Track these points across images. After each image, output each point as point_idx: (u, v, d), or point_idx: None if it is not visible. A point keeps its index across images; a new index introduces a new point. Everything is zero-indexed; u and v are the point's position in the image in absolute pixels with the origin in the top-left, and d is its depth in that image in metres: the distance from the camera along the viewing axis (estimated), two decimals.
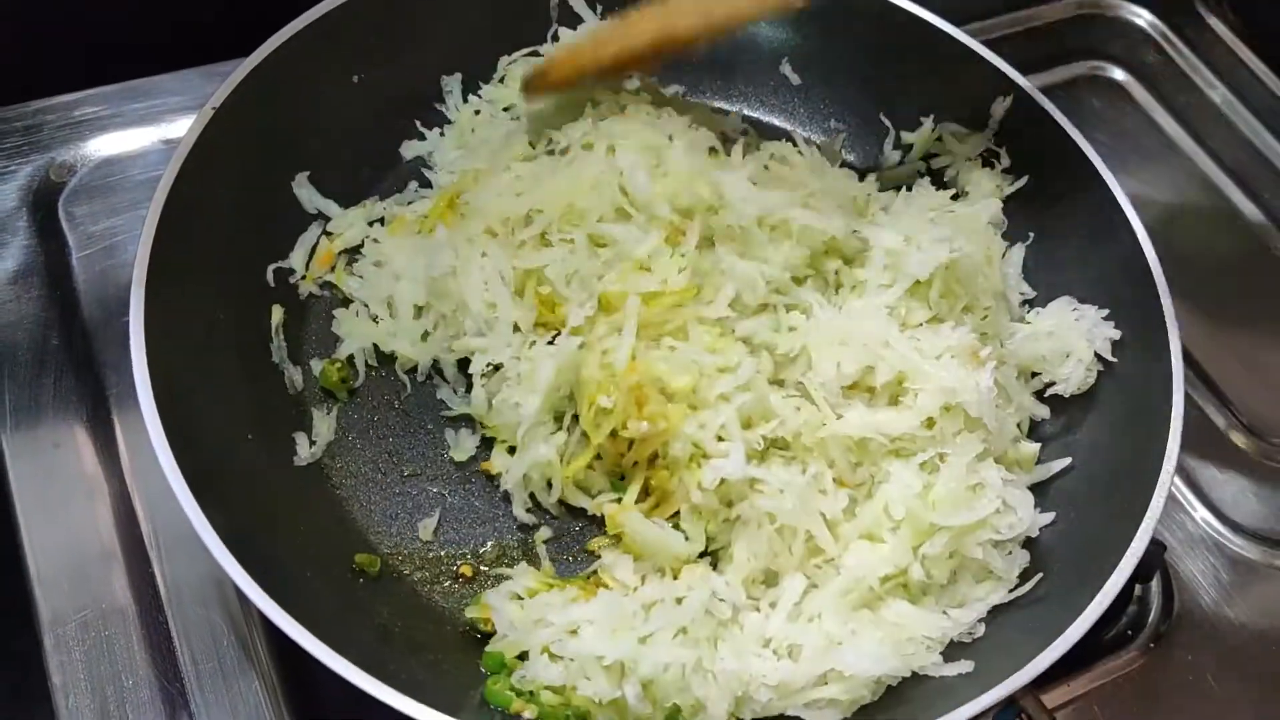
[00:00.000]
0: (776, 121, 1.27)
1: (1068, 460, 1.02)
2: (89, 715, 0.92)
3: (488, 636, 0.94)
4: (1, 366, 1.07)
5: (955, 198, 1.16)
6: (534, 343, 1.00)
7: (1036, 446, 1.04)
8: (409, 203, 1.15)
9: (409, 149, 1.19)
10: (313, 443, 1.01)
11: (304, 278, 1.09)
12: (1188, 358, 1.22)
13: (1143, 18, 1.57)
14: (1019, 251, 1.15)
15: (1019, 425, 1.05)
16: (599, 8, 1.23)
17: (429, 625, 0.95)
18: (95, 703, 0.92)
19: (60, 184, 1.19)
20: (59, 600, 0.96)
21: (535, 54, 1.22)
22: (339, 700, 0.93)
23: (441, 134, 1.19)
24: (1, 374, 1.07)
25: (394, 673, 0.81)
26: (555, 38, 1.22)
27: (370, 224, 1.13)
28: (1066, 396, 1.06)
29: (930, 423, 0.98)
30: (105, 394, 1.07)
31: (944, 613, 0.94)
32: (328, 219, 1.12)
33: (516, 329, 1.02)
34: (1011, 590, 0.95)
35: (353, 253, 1.12)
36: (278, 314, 1.06)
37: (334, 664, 0.79)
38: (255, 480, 0.94)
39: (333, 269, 1.11)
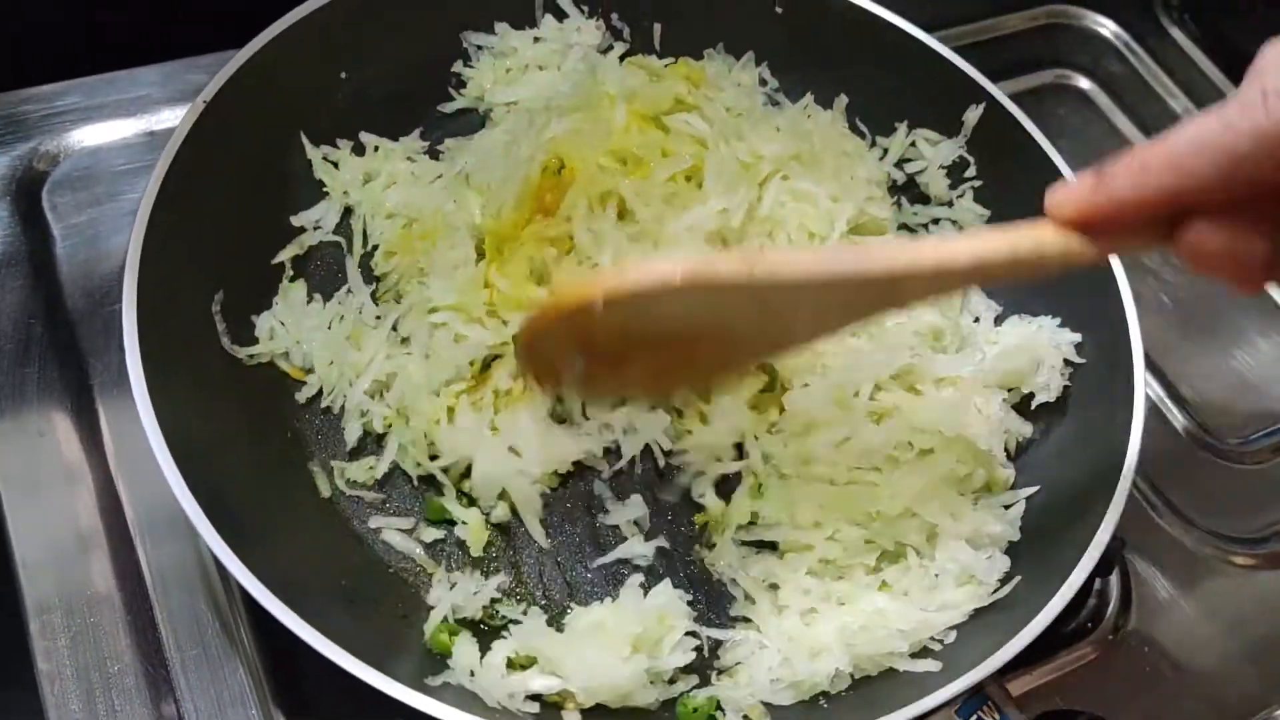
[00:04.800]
0: None
1: (1036, 488, 1.04)
2: (75, 701, 0.92)
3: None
4: None
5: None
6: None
7: (1012, 472, 1.06)
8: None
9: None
10: None
11: None
12: (1145, 357, 1.26)
13: (1107, 28, 1.61)
14: None
15: (1006, 447, 1.07)
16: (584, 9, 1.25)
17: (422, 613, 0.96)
18: (81, 688, 0.93)
19: (44, 173, 1.19)
20: (44, 587, 0.97)
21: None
22: (322, 686, 0.95)
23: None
24: None
25: (368, 649, 0.83)
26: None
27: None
28: (1052, 401, 1.08)
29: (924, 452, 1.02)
30: (89, 383, 1.07)
31: (920, 610, 0.96)
32: None
33: None
34: (992, 593, 0.97)
35: None
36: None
37: (314, 641, 0.81)
38: (249, 469, 0.96)
39: None
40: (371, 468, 1.02)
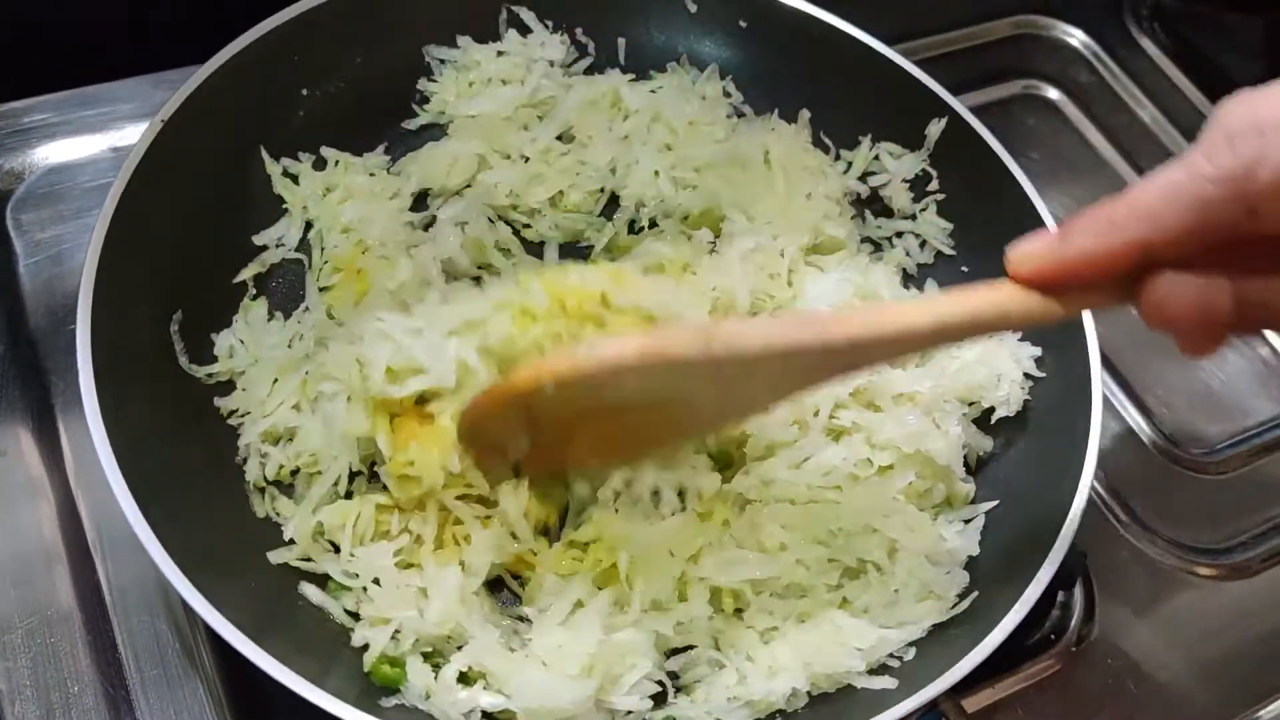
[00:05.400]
0: None
1: (996, 501, 1.04)
2: None
3: None
4: None
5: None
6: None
7: (972, 487, 1.06)
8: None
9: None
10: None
11: None
12: (1111, 368, 1.27)
13: (1076, 38, 1.61)
14: (931, 288, 1.18)
15: (966, 461, 1.07)
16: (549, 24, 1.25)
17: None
18: (41, 709, 0.93)
19: (7, 191, 1.19)
20: (4, 607, 0.97)
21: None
22: (282, 706, 0.95)
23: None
24: None
25: (335, 677, 0.83)
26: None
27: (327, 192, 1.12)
28: (1011, 416, 1.08)
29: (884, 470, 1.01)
30: (50, 402, 1.07)
31: (880, 627, 0.95)
32: None
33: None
34: (951, 609, 0.97)
35: None
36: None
37: (277, 673, 0.81)
38: (204, 493, 0.95)
39: None
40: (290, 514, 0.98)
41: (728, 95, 1.27)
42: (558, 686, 0.87)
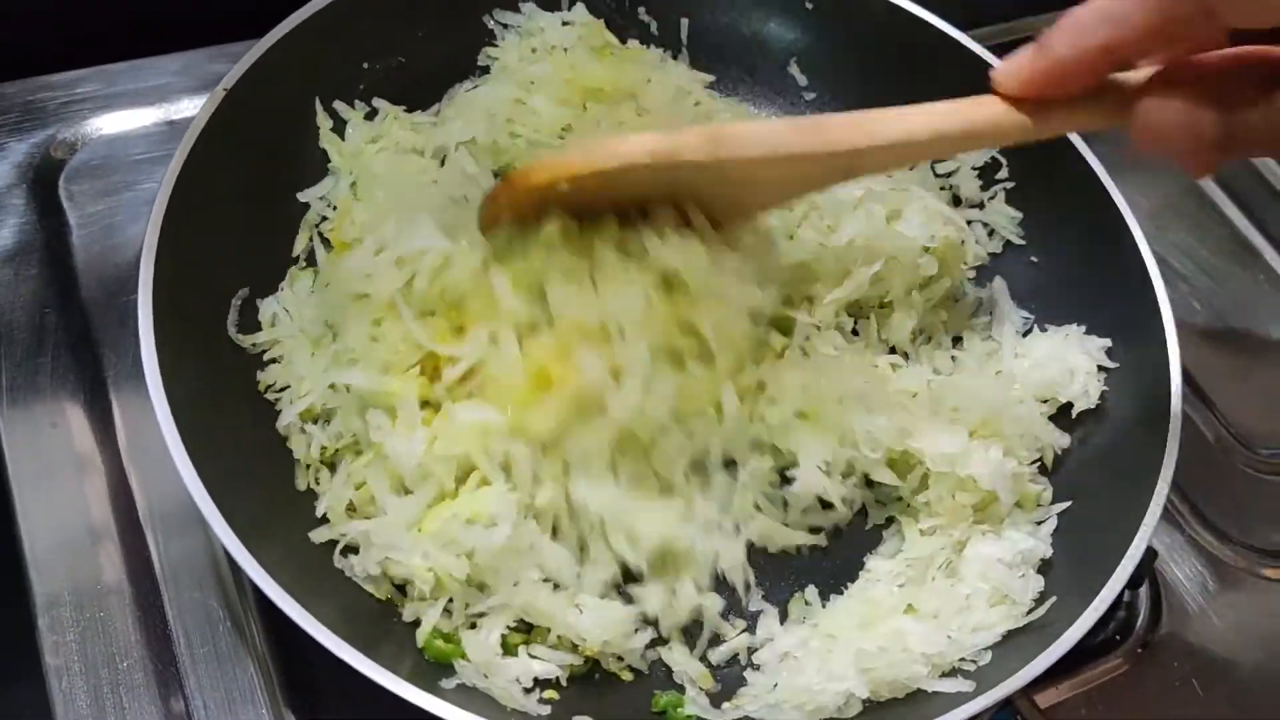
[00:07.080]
0: None
1: (1068, 503, 1.01)
2: (83, 697, 0.91)
3: None
4: None
5: None
6: None
7: (1045, 487, 1.03)
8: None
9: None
10: None
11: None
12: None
13: None
14: (1000, 284, 1.16)
15: (1041, 460, 1.04)
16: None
17: None
18: (89, 685, 0.91)
19: (60, 161, 1.18)
20: (54, 582, 0.95)
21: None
22: (334, 687, 0.94)
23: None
24: None
25: (389, 656, 0.81)
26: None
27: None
28: (1093, 407, 1.05)
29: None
30: (103, 374, 1.06)
31: (948, 636, 0.92)
32: None
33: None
34: (1027, 614, 0.94)
35: None
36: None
37: (327, 641, 0.79)
38: (256, 465, 0.94)
39: None
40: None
41: (793, 81, 1.25)
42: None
